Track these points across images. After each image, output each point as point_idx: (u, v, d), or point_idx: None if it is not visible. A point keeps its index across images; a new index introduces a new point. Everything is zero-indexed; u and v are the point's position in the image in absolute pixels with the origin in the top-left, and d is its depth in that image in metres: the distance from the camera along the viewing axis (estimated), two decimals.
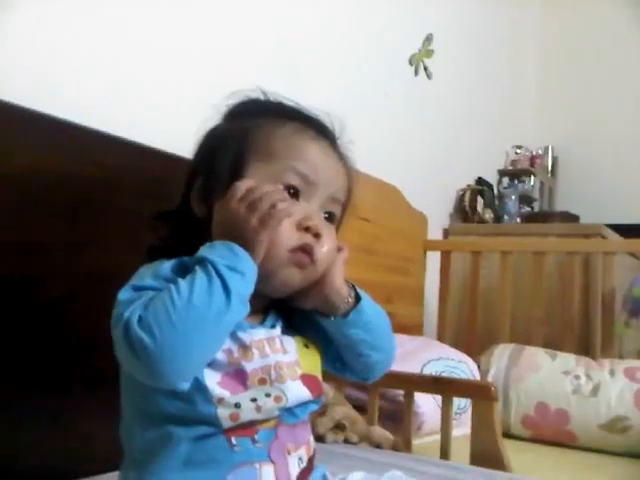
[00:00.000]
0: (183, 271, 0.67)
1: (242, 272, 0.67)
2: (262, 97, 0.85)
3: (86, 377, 1.13)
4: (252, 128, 0.79)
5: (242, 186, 0.72)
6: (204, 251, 0.68)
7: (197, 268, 0.66)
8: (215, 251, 0.68)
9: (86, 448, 1.13)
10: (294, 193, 0.76)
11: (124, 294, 0.67)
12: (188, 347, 0.63)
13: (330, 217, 0.80)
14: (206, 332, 0.64)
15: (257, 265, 0.70)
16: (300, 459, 0.75)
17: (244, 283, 0.67)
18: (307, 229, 0.74)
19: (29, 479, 1.03)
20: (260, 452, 0.71)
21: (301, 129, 0.80)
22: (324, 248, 0.75)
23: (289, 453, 0.73)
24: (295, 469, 0.74)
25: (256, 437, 0.71)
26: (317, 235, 0.75)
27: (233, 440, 0.70)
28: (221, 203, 0.73)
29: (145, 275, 0.69)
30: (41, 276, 1.09)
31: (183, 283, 0.64)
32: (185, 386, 0.66)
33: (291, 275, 0.74)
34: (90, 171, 1.17)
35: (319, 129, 0.82)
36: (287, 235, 0.73)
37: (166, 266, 0.69)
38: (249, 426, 0.71)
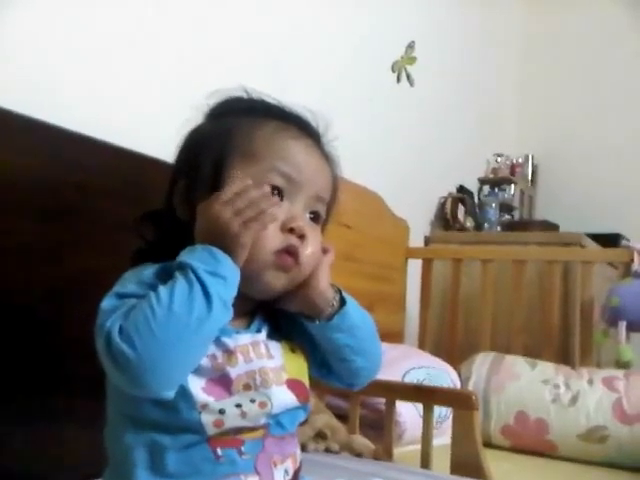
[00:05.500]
0: (166, 277, 0.66)
1: (223, 276, 0.66)
2: (244, 95, 0.84)
3: (68, 382, 1.11)
4: (234, 128, 0.78)
5: (229, 190, 0.70)
6: (184, 256, 0.67)
7: (177, 274, 0.65)
8: (195, 255, 0.67)
9: (68, 454, 1.11)
10: (278, 194, 0.75)
11: (107, 302, 0.66)
12: (170, 356, 0.62)
13: (315, 217, 0.79)
14: (188, 340, 0.63)
15: (240, 268, 0.69)
16: (286, 471, 0.74)
17: (226, 288, 0.66)
18: (291, 230, 0.73)
19: None
20: (246, 464, 0.70)
21: (283, 127, 0.79)
22: (309, 250, 0.74)
23: (275, 465, 0.72)
24: None
25: (242, 448, 0.70)
26: (302, 236, 0.74)
27: (219, 451, 0.69)
28: (204, 204, 0.71)
29: (129, 281, 0.68)
30: (17, 280, 1.07)
31: (163, 290, 0.63)
32: (170, 394, 0.65)
33: (275, 277, 0.73)
34: (65, 173, 1.15)
35: (301, 127, 0.81)
36: (271, 237, 0.72)
37: (149, 272, 0.68)
38: (235, 435, 0.70)
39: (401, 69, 2.67)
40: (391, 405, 1.47)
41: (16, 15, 1.21)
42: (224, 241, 0.68)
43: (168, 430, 0.68)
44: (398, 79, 2.66)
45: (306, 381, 0.78)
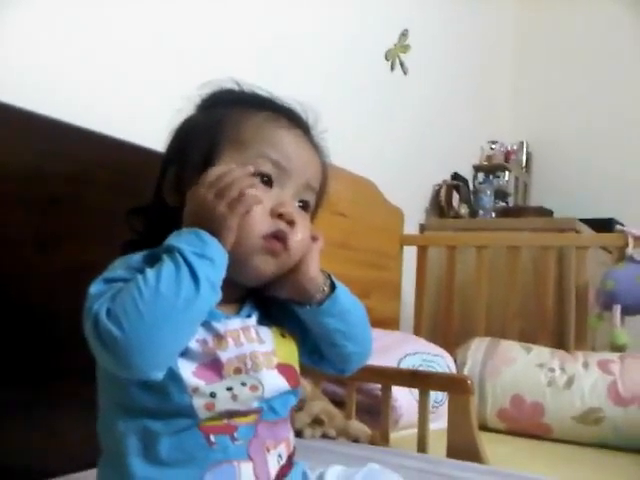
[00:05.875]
0: (154, 261, 0.67)
1: (210, 258, 0.66)
2: (235, 87, 0.85)
3: (63, 373, 1.11)
4: (224, 117, 0.79)
5: (213, 172, 0.72)
6: (171, 239, 0.68)
7: (164, 257, 0.66)
8: (182, 238, 0.67)
9: (61, 445, 1.11)
10: (267, 181, 0.76)
11: (95, 287, 0.66)
12: (157, 336, 0.63)
13: (304, 206, 0.80)
14: (175, 320, 0.64)
15: (228, 252, 0.69)
16: (279, 456, 0.74)
17: (213, 269, 0.67)
18: (280, 216, 0.74)
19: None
20: (239, 450, 0.70)
21: (273, 117, 0.80)
22: (298, 236, 0.75)
23: (268, 450, 0.73)
24: (274, 466, 0.73)
25: (235, 434, 0.70)
26: (291, 222, 0.74)
27: (212, 438, 0.69)
28: (192, 189, 0.72)
29: (117, 267, 0.69)
30: (13, 272, 1.07)
31: (150, 272, 0.64)
32: (159, 376, 0.65)
33: (264, 262, 0.74)
34: (62, 165, 1.15)
35: (292, 118, 0.82)
36: (260, 221, 0.73)
37: (137, 257, 0.69)
38: (228, 421, 0.70)
39: (394, 57, 2.66)
40: (387, 391, 1.49)
41: (15, 10, 1.21)
42: (211, 224, 0.69)
43: (160, 416, 0.68)
44: (392, 67, 2.66)
45: (297, 366, 0.79)
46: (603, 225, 2.79)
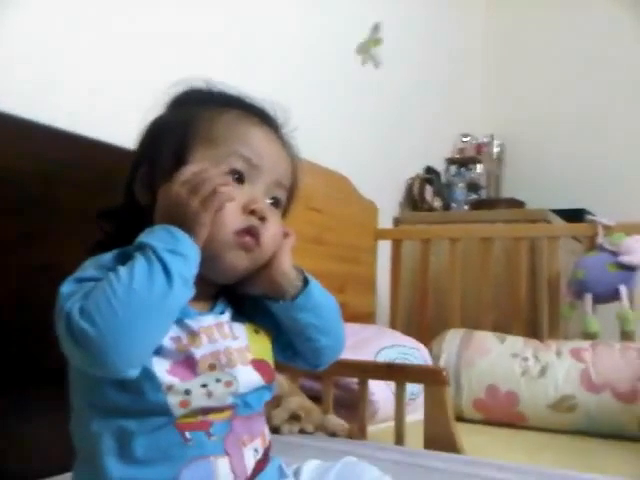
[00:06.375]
0: (125, 259, 0.67)
1: (183, 254, 0.67)
2: (205, 86, 0.85)
3: (36, 376, 1.10)
4: (195, 115, 0.80)
5: (187, 170, 0.72)
6: (143, 236, 0.68)
7: (137, 254, 0.66)
8: (154, 235, 0.68)
9: (37, 449, 1.10)
10: (239, 178, 0.77)
11: (66, 287, 0.66)
12: (131, 333, 0.63)
13: (275, 202, 0.81)
14: (149, 317, 0.64)
15: (201, 248, 0.70)
16: (256, 450, 0.75)
17: (186, 265, 0.67)
18: (252, 212, 0.75)
19: None
20: (215, 445, 0.70)
21: (244, 115, 0.81)
22: (269, 231, 0.76)
23: (244, 445, 0.73)
24: (251, 461, 0.73)
25: (211, 430, 0.70)
26: (262, 218, 0.75)
27: (187, 435, 0.69)
28: (164, 187, 0.73)
29: (88, 267, 0.69)
30: None
31: (123, 270, 0.64)
32: (133, 373, 0.65)
33: (237, 258, 0.74)
34: (32, 165, 1.14)
35: (262, 116, 0.83)
36: (232, 217, 0.73)
37: (108, 256, 0.69)
38: (203, 417, 0.70)
39: (366, 51, 2.66)
40: (364, 384, 1.49)
41: None
42: (184, 221, 0.69)
43: (134, 415, 0.68)
44: (363, 61, 2.66)
45: (271, 361, 0.80)
46: (574, 215, 2.83)
